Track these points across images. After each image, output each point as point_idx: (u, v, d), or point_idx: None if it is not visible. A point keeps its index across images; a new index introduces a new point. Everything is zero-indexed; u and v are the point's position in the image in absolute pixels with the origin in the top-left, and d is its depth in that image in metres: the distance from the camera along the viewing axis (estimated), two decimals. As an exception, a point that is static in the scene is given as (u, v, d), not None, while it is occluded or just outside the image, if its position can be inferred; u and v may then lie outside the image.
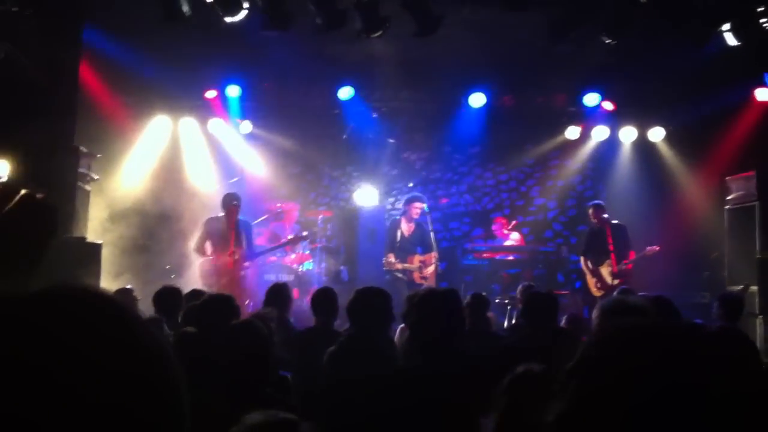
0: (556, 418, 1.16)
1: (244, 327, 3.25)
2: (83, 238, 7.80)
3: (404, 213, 10.60)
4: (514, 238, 11.60)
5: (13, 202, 1.56)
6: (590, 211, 10.54)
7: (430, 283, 10.42)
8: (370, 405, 3.08)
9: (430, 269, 10.36)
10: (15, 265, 1.54)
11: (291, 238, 10.39)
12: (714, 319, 6.41)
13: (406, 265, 10.27)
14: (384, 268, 10.34)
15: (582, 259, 10.70)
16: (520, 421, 1.22)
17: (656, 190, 12.00)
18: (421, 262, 10.33)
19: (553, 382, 1.24)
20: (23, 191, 1.60)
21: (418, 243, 10.41)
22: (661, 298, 4.25)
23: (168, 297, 6.16)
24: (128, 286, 6.91)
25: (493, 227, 11.72)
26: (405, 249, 10.34)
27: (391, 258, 10.29)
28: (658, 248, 10.23)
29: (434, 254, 10.38)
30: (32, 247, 1.59)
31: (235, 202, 9.52)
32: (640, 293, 7.91)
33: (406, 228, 10.45)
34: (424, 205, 10.43)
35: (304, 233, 10.79)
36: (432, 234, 10.27)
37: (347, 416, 3.14)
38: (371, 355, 3.79)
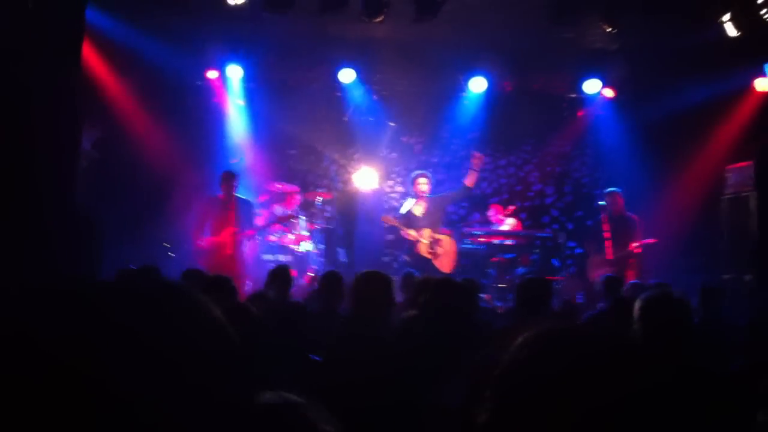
0: (481, 426, 1.13)
1: (236, 311, 3.22)
2: (84, 212, 7.81)
3: (415, 195, 10.35)
4: (509, 223, 11.61)
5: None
6: (607, 198, 10.54)
7: (446, 262, 10.16)
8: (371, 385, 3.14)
9: (446, 249, 10.13)
10: None
11: (279, 217, 10.35)
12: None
13: (411, 231, 10.00)
14: (384, 226, 10.18)
15: (586, 243, 10.91)
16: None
17: (655, 177, 12.00)
18: (433, 237, 10.05)
19: None
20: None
21: (432, 223, 10.14)
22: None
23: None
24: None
25: (489, 213, 11.76)
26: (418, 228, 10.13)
27: (390, 216, 10.20)
28: (655, 240, 10.29)
29: (448, 232, 10.32)
30: None
31: (233, 181, 9.55)
32: (632, 281, 8.02)
33: (418, 209, 10.22)
34: (427, 179, 10.27)
35: (290, 213, 10.70)
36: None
37: (348, 399, 3.20)
38: (371, 338, 3.85)
